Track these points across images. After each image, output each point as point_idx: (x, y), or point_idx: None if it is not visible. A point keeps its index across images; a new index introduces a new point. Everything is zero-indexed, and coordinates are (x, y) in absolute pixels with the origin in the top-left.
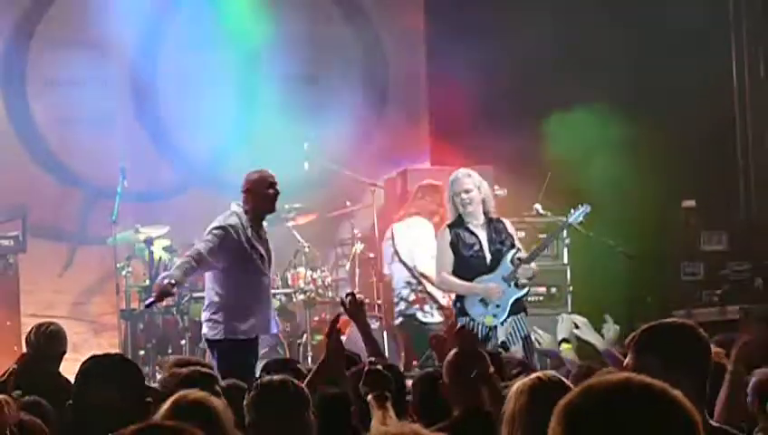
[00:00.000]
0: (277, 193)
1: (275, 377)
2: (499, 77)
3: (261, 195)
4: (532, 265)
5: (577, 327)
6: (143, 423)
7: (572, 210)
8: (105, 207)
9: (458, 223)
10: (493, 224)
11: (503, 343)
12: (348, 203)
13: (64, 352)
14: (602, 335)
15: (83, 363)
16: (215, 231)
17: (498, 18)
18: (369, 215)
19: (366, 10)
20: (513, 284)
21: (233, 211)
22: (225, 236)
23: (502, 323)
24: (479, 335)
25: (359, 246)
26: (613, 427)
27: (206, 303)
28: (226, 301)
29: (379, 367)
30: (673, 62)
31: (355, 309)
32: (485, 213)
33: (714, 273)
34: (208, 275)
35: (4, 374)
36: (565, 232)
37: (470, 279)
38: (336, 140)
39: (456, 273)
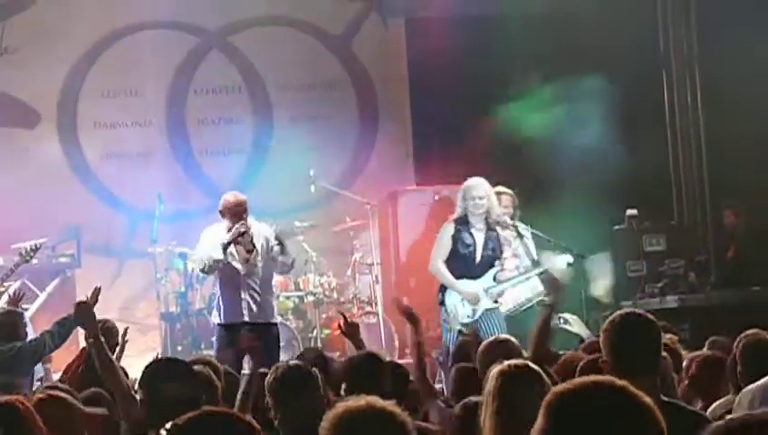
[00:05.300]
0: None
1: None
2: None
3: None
4: (501, 288)
5: (566, 322)
6: (198, 411)
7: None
8: (146, 228)
9: (463, 221)
10: (489, 232)
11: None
12: (348, 219)
13: (117, 344)
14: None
15: (149, 365)
16: None
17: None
18: (365, 228)
19: (361, 61)
20: (489, 295)
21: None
22: None
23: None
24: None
25: (357, 255)
26: (592, 424)
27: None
28: None
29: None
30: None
31: (350, 329)
32: (486, 220)
33: (654, 269)
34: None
35: (68, 371)
36: (529, 236)
37: (457, 275)
38: (337, 167)
39: (447, 264)
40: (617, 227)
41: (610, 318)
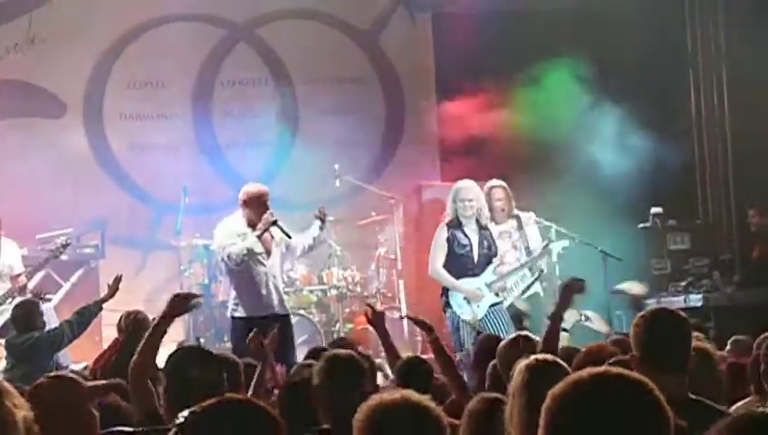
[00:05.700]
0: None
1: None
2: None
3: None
4: (503, 282)
5: (587, 319)
6: (221, 397)
7: (552, 239)
8: (170, 220)
9: (456, 224)
10: (482, 231)
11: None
12: (373, 213)
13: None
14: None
15: (175, 352)
16: None
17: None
18: (389, 222)
19: (387, 56)
20: (491, 290)
21: None
22: None
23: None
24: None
25: (382, 250)
26: (593, 416)
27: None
28: None
29: None
30: (636, 102)
31: (376, 318)
32: (478, 221)
33: (678, 268)
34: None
35: (100, 359)
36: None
37: (457, 275)
38: (363, 161)
39: (445, 267)
40: (641, 224)
41: (642, 314)
